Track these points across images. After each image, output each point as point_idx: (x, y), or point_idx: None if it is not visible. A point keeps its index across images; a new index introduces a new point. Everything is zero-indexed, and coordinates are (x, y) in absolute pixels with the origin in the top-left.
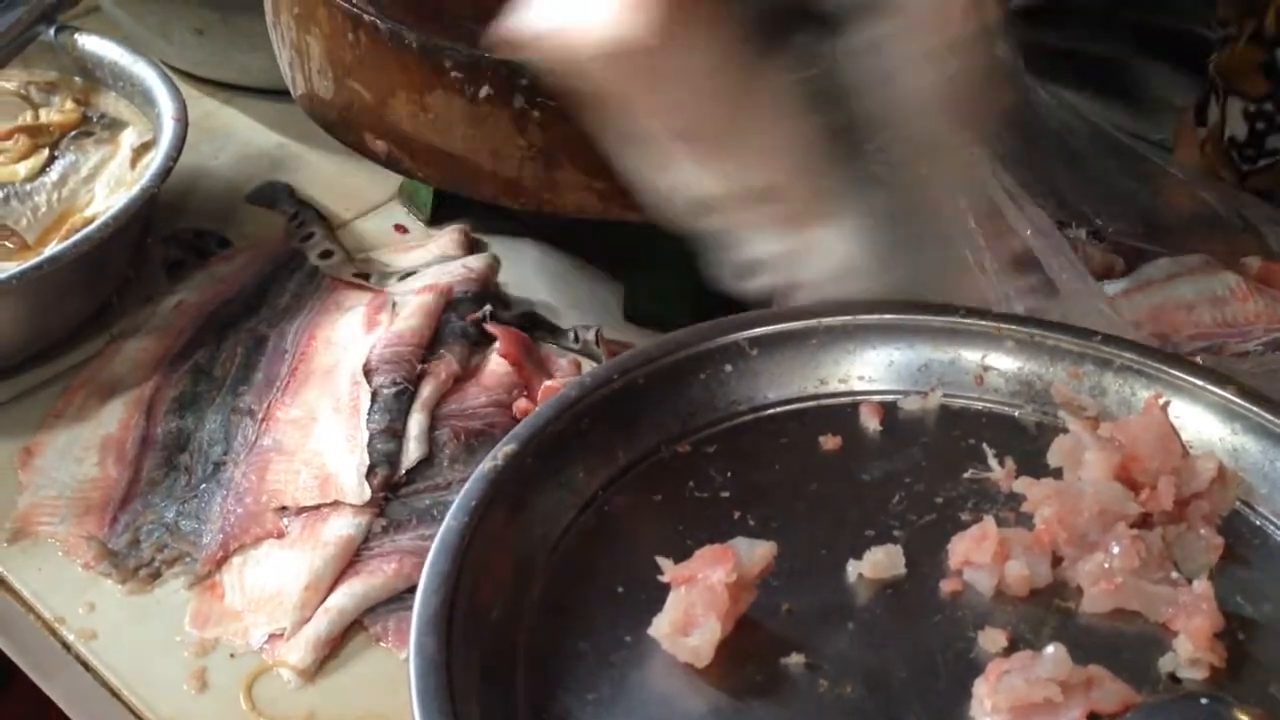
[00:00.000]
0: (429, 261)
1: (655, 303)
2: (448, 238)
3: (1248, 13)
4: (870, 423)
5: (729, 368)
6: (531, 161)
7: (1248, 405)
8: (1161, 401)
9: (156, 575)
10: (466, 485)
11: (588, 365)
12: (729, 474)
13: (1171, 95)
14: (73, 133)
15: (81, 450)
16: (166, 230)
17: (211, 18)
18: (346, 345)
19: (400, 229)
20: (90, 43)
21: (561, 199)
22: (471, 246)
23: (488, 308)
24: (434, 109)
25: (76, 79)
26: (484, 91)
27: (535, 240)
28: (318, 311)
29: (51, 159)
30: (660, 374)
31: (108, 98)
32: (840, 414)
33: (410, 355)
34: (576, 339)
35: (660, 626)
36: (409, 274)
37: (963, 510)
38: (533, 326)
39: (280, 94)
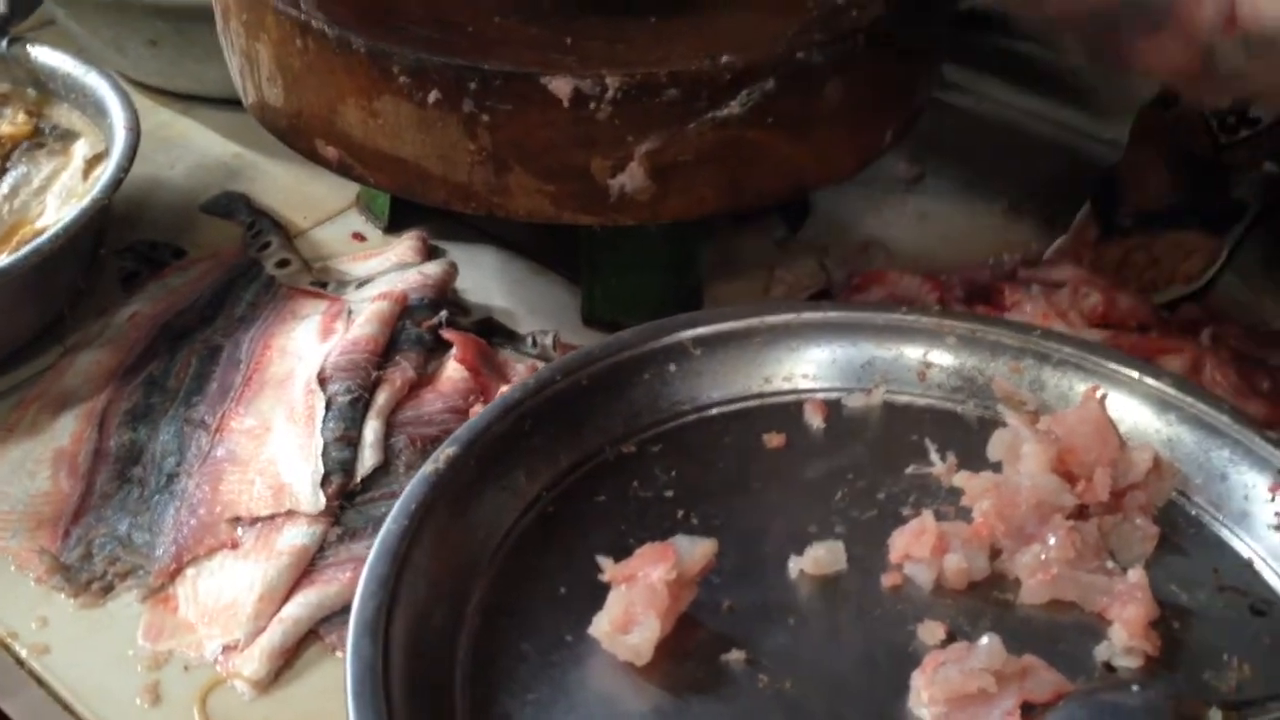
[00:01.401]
0: (386, 269)
1: (613, 306)
2: (405, 245)
3: None
4: (814, 420)
5: (673, 367)
6: (481, 166)
7: (1183, 396)
8: (1099, 394)
9: (109, 588)
10: (407, 488)
11: None
12: (673, 473)
13: (1124, 91)
14: (24, 144)
15: (34, 464)
16: (121, 242)
17: (165, 28)
18: (301, 354)
19: (358, 237)
20: (43, 54)
21: (513, 203)
22: (429, 253)
23: (444, 313)
24: (383, 114)
25: (29, 90)
26: (432, 96)
27: (493, 246)
28: (273, 321)
29: (3, 170)
30: (604, 374)
31: (60, 109)
32: (784, 412)
33: (365, 362)
34: (534, 344)
35: (600, 625)
36: (366, 282)
37: (904, 505)
38: (490, 332)
39: (235, 103)
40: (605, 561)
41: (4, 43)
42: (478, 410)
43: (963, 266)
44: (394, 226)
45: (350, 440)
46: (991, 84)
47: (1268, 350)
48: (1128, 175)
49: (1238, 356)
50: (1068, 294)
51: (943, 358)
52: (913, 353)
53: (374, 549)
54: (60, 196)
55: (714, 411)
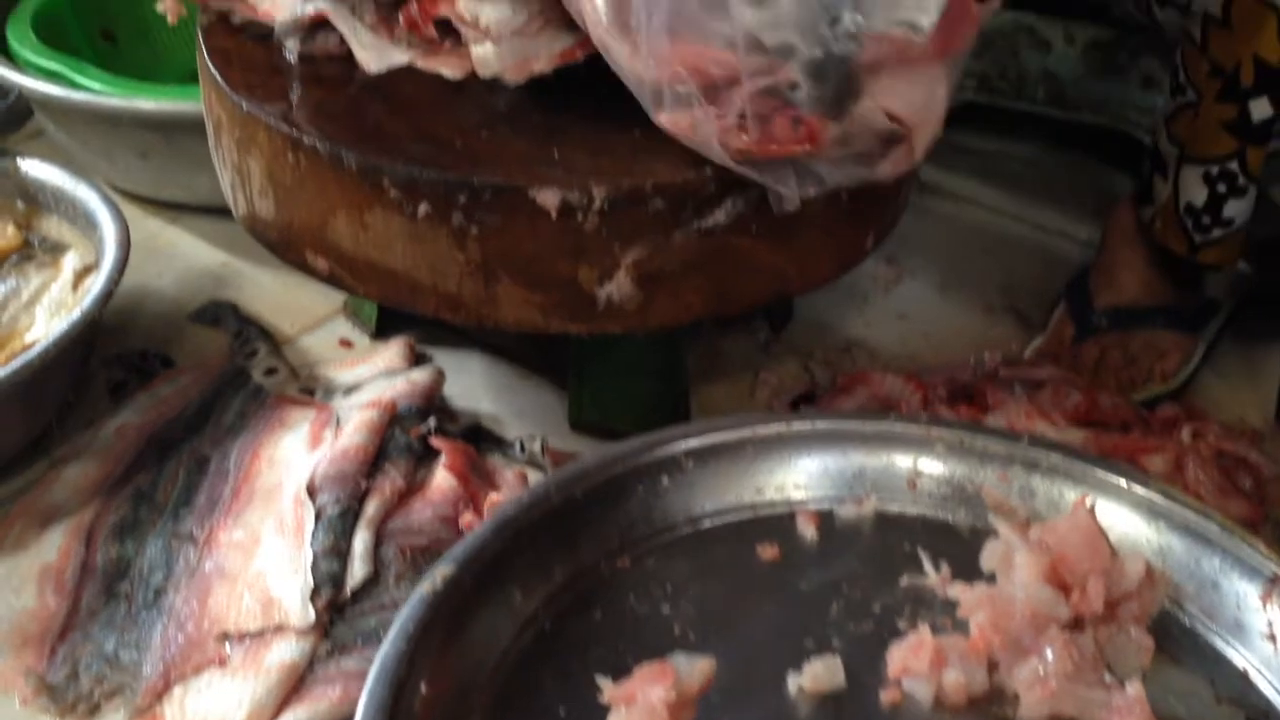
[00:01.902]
0: (374, 376)
1: (600, 410)
2: (392, 351)
3: (1213, 74)
4: (807, 531)
5: (666, 480)
6: (470, 276)
7: (1171, 504)
8: (1088, 502)
9: (96, 709)
10: (403, 610)
11: (534, 476)
12: (668, 588)
13: (1097, 190)
14: (14, 257)
15: (20, 581)
16: (109, 352)
17: (155, 140)
18: (290, 464)
19: (345, 343)
20: (33, 167)
21: (501, 313)
22: (416, 359)
23: (432, 421)
24: (374, 227)
25: (18, 203)
26: (422, 209)
27: (479, 351)
28: (261, 430)
29: None
30: (598, 489)
31: (50, 221)
32: (777, 523)
33: (355, 473)
34: (522, 449)
35: None
36: (354, 388)
37: (900, 617)
38: (478, 438)
39: (223, 211)
40: (604, 682)
41: None
42: (468, 519)
43: (945, 366)
44: (381, 332)
45: (340, 552)
46: (966, 184)
47: (1247, 448)
48: (1102, 274)
49: (1219, 454)
50: (1049, 393)
51: (932, 466)
52: (902, 461)
53: (371, 674)
54: (50, 309)
55: (707, 524)
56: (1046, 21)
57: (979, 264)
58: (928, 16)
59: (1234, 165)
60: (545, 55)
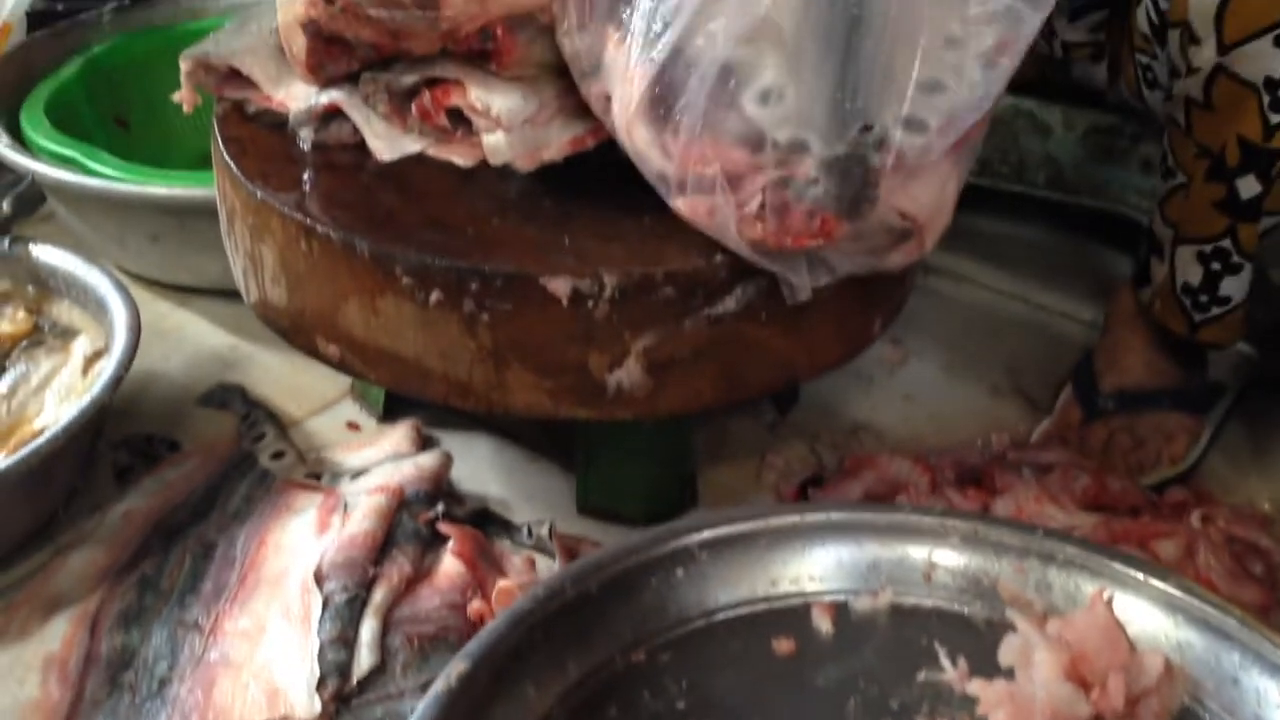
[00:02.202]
0: (381, 459)
1: (608, 494)
2: (400, 435)
3: (1200, 155)
4: (822, 624)
5: (680, 572)
6: (481, 363)
7: (1189, 599)
8: (1106, 596)
9: None
10: (419, 709)
11: (542, 561)
12: (684, 683)
13: (1099, 272)
14: (24, 342)
15: (24, 671)
16: (117, 436)
17: (168, 224)
18: (297, 550)
19: (353, 426)
20: (44, 253)
21: (511, 399)
22: (424, 442)
23: (440, 507)
24: (385, 313)
25: (29, 288)
26: (434, 296)
27: (487, 433)
28: (268, 515)
29: (2, 369)
30: (612, 582)
31: (61, 306)
32: (792, 616)
33: (362, 559)
34: (530, 534)
35: None
36: (361, 472)
37: (919, 714)
38: (485, 523)
39: (233, 294)
40: None
41: (6, 241)
42: (476, 607)
43: (952, 448)
44: (389, 415)
45: (346, 641)
46: (970, 266)
47: (1257, 532)
48: (1107, 357)
49: (1229, 539)
50: (1058, 477)
51: (947, 558)
52: (917, 553)
53: None
54: (59, 394)
55: (722, 616)
56: (1046, 107)
57: (983, 345)
58: (936, 116)
59: (1227, 243)
60: (556, 143)
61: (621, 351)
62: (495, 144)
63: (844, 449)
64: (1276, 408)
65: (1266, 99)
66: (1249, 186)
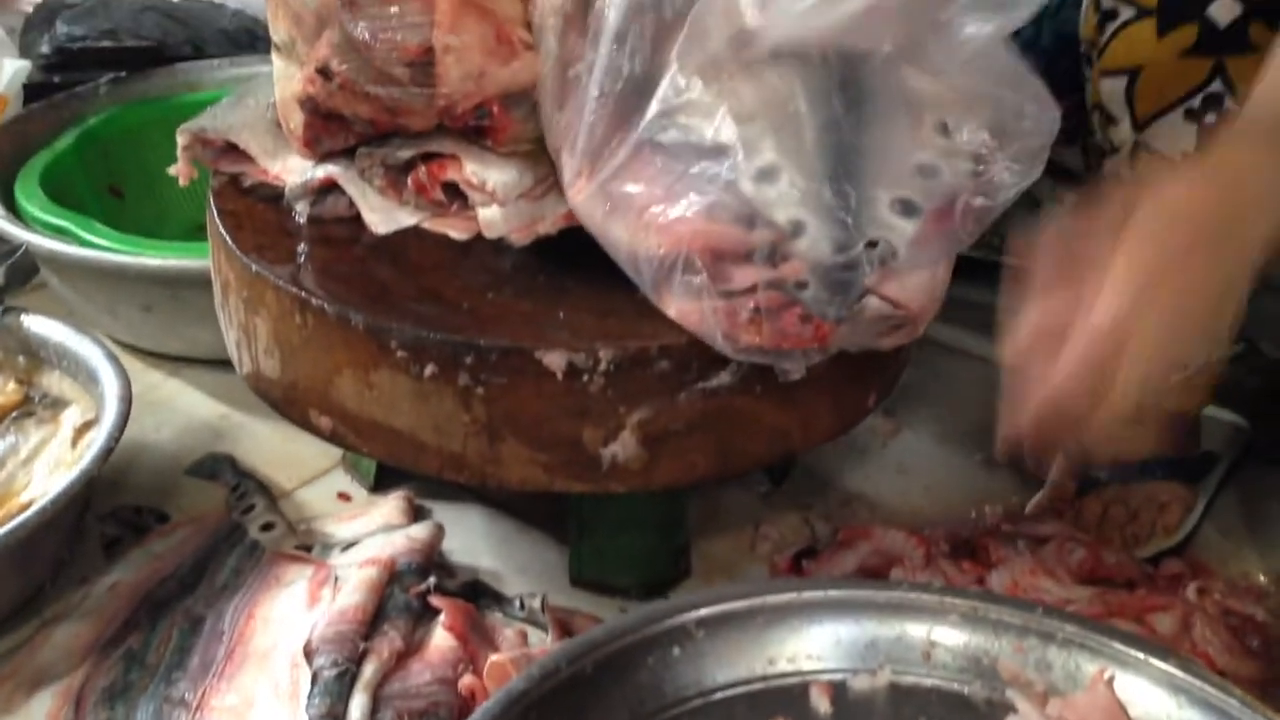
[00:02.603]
0: (372, 530)
1: (601, 566)
2: (391, 506)
3: None
4: (820, 704)
5: (677, 651)
6: (475, 437)
7: (1190, 679)
8: (1107, 676)
9: None
10: None
11: (534, 633)
12: None
13: None
14: (14, 413)
15: None
16: (105, 507)
17: (161, 294)
18: (286, 624)
19: (343, 497)
20: (35, 323)
21: (506, 472)
22: (415, 513)
23: (431, 580)
24: (379, 386)
25: (20, 359)
26: (429, 370)
27: (478, 504)
28: (257, 589)
29: None
30: (608, 661)
31: (51, 376)
32: (790, 695)
33: (352, 634)
34: (522, 606)
35: None
36: (352, 544)
37: None
38: (477, 595)
39: (224, 364)
40: None
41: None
42: (467, 681)
43: (946, 520)
44: (380, 486)
45: (336, 716)
46: (962, 337)
47: (1253, 605)
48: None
49: (1225, 612)
50: (1053, 550)
51: (947, 636)
52: (916, 631)
53: None
54: (48, 465)
55: (719, 696)
56: (1035, 181)
57: (976, 416)
58: (930, 200)
59: None
60: (551, 217)
61: (616, 425)
62: (491, 217)
63: (837, 520)
64: (1270, 479)
65: None
66: None
